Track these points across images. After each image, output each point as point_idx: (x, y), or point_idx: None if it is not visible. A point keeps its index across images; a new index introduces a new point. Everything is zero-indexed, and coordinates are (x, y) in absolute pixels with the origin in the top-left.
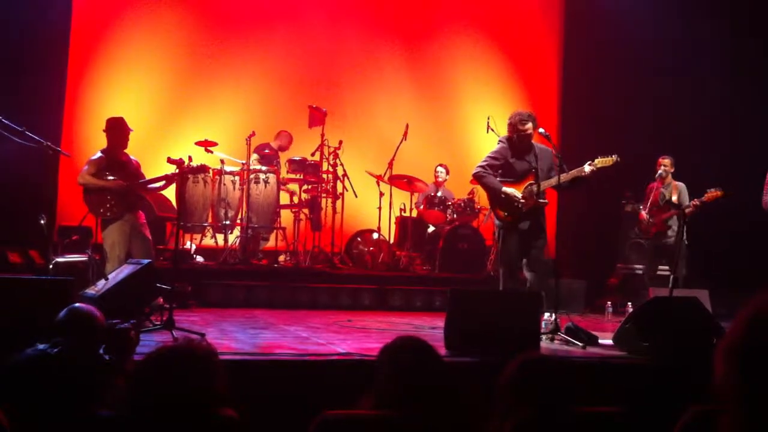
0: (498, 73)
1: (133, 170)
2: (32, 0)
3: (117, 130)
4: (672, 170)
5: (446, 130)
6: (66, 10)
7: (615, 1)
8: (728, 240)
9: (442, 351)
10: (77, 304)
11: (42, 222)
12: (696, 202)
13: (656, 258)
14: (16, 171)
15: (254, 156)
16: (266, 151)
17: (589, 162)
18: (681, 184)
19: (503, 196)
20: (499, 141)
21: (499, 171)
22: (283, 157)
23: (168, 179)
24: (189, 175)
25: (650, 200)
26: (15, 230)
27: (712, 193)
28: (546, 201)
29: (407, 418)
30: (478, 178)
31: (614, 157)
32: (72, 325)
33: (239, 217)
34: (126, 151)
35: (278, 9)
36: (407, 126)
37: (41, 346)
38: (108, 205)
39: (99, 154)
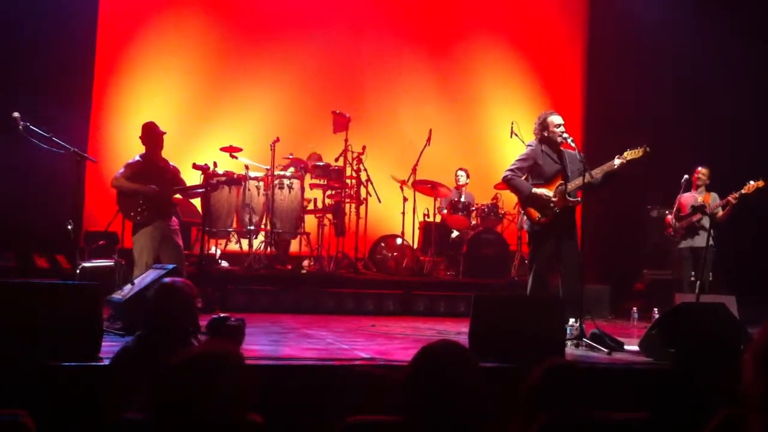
0: (522, 78)
1: (170, 177)
2: (58, 5)
3: (150, 134)
4: (708, 182)
5: (470, 135)
6: (92, 16)
7: (639, 4)
8: (756, 245)
9: None
10: (169, 279)
11: (69, 227)
12: (735, 194)
13: (690, 264)
14: (44, 177)
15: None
16: (290, 156)
17: (618, 155)
18: (714, 194)
19: (534, 196)
20: (528, 145)
21: (529, 175)
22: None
23: (206, 188)
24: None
25: (677, 206)
26: (42, 236)
27: (753, 184)
28: (578, 200)
29: (430, 424)
30: (506, 181)
31: (644, 148)
32: (165, 297)
33: (263, 222)
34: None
35: (303, 15)
36: (430, 131)
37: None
38: (139, 209)
39: (137, 158)
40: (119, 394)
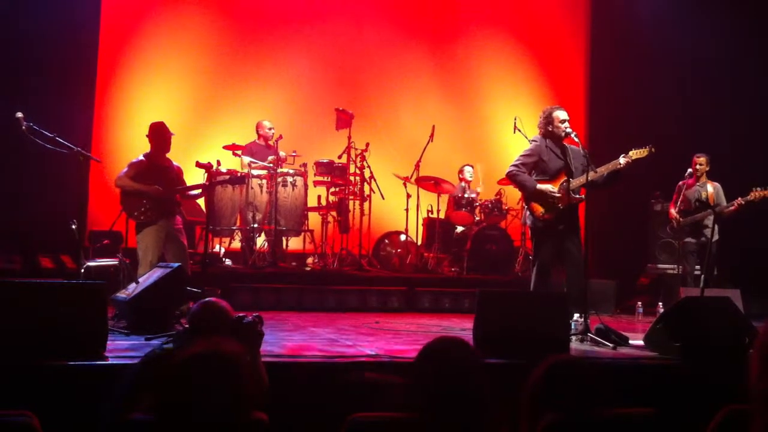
0: (524, 73)
1: (173, 176)
2: (61, 5)
3: (158, 134)
4: (707, 169)
5: (473, 130)
6: (94, 15)
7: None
8: (760, 239)
9: None
10: (211, 299)
11: (73, 227)
12: (740, 201)
13: (695, 258)
14: (48, 177)
15: (247, 159)
16: (293, 154)
17: (623, 154)
18: (716, 184)
19: (538, 192)
20: (532, 140)
21: (533, 170)
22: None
23: (204, 187)
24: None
25: (681, 198)
26: (47, 236)
27: (759, 192)
28: (581, 197)
29: (438, 421)
30: (511, 176)
31: (649, 148)
32: (205, 317)
33: (267, 220)
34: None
35: (305, 12)
36: (433, 127)
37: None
38: (143, 209)
39: (140, 158)
40: (135, 396)
